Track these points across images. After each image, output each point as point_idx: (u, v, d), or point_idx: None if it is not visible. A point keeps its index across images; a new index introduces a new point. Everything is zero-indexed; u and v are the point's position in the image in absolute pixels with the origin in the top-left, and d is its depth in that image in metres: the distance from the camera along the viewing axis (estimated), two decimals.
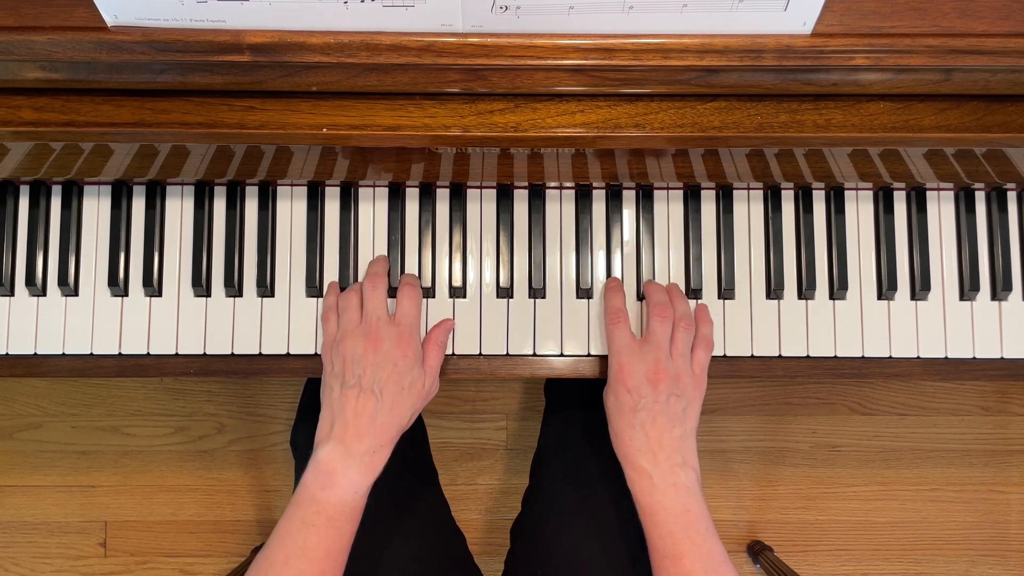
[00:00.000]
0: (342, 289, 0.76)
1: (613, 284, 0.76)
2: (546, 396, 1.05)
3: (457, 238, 0.78)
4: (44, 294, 0.77)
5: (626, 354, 0.70)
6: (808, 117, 0.62)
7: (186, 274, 0.77)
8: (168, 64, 0.58)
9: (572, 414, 0.92)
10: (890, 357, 0.78)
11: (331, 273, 0.77)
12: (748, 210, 0.79)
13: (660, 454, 0.67)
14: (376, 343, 0.68)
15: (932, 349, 0.77)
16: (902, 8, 0.57)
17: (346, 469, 0.65)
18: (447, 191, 0.78)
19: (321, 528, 0.64)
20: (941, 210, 0.79)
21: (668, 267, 0.78)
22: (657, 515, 0.66)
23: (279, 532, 0.65)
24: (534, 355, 0.77)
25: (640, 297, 0.78)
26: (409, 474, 0.88)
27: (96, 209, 0.77)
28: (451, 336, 0.77)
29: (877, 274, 0.78)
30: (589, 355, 0.77)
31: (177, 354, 0.77)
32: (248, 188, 0.78)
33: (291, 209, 0.78)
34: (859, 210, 0.79)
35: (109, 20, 0.56)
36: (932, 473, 1.50)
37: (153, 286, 0.76)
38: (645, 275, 0.77)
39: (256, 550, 1.40)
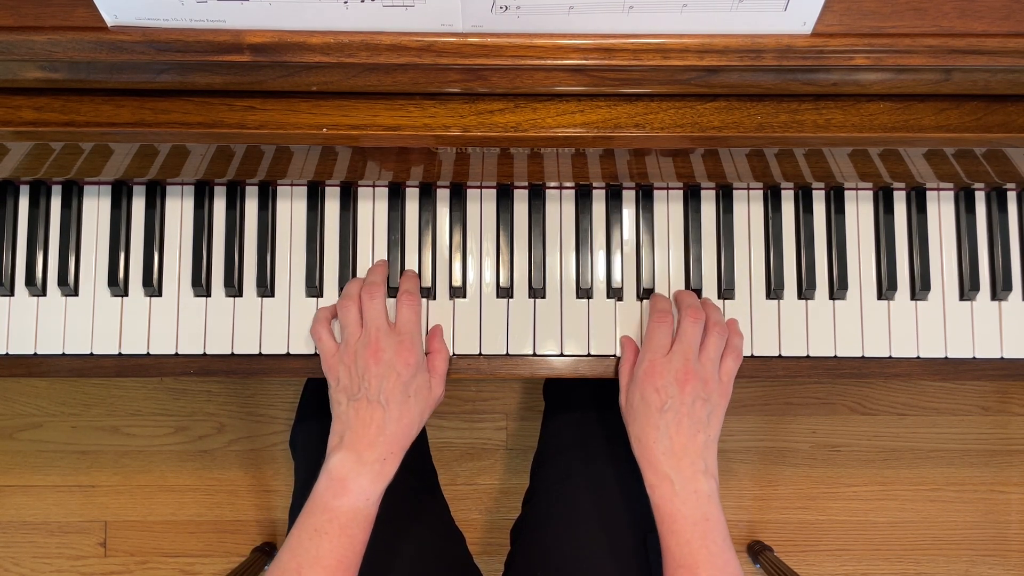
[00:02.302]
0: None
1: (660, 295, 0.76)
2: (545, 398, 1.05)
3: (457, 238, 0.78)
4: (44, 294, 0.77)
5: (659, 353, 0.70)
6: (808, 117, 0.62)
7: (186, 274, 0.77)
8: (168, 64, 0.58)
9: (572, 415, 0.92)
10: (890, 357, 0.78)
11: (331, 273, 0.77)
12: (748, 210, 0.79)
13: (683, 460, 0.67)
14: (377, 354, 0.68)
15: (932, 349, 0.77)
16: (902, 8, 0.57)
17: (358, 476, 0.66)
18: (447, 191, 0.78)
19: (334, 536, 0.64)
20: (941, 210, 0.79)
21: (668, 267, 0.78)
22: (676, 522, 0.66)
23: (291, 541, 0.65)
24: (534, 355, 0.77)
25: (639, 296, 0.78)
26: (408, 474, 0.88)
27: (96, 209, 0.77)
28: (451, 336, 0.77)
29: (877, 274, 0.78)
30: (589, 355, 0.77)
31: (177, 354, 0.77)
32: (248, 188, 0.78)
33: (291, 209, 0.78)
34: (859, 210, 0.79)
35: (109, 20, 0.56)
36: (932, 473, 1.50)
37: (153, 286, 0.76)
38: (645, 275, 0.77)
39: (256, 550, 1.40)
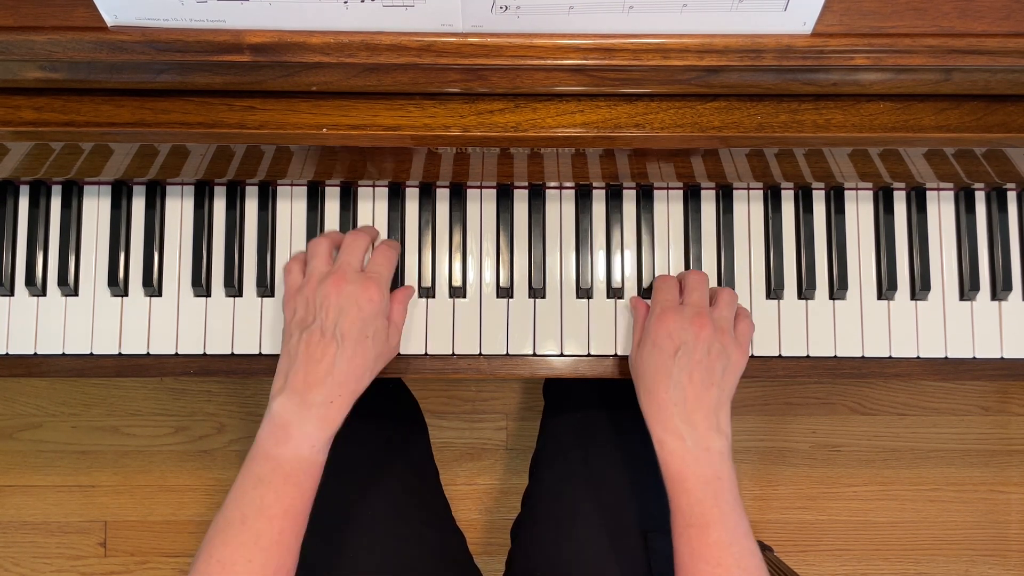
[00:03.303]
0: None
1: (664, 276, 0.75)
2: (545, 397, 1.05)
3: (457, 238, 0.78)
4: (44, 294, 0.77)
5: (671, 303, 0.69)
6: (808, 117, 0.62)
7: (186, 274, 0.77)
8: (168, 64, 0.58)
9: (572, 414, 0.92)
10: (890, 357, 0.78)
11: None
12: (748, 210, 0.79)
13: (696, 413, 0.64)
14: (340, 284, 0.65)
15: (932, 349, 0.77)
16: (902, 8, 0.57)
17: (301, 423, 0.62)
18: (447, 191, 0.78)
19: (278, 486, 0.61)
20: (941, 210, 0.79)
21: (668, 267, 0.78)
22: (688, 480, 0.64)
23: (234, 490, 0.62)
24: (534, 355, 0.77)
25: (640, 295, 0.77)
26: (409, 474, 0.88)
27: (96, 209, 0.77)
28: (451, 336, 0.77)
29: (877, 274, 0.78)
30: (589, 355, 0.77)
31: (177, 354, 0.77)
32: (248, 188, 0.78)
33: (291, 209, 0.78)
34: (859, 210, 0.79)
35: (109, 20, 0.56)
36: (932, 473, 1.50)
37: (153, 286, 0.76)
38: (645, 275, 0.77)
39: None
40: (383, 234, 0.78)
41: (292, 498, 0.61)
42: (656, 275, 0.76)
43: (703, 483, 0.64)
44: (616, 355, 0.77)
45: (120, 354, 0.76)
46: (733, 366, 0.68)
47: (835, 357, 0.78)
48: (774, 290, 0.77)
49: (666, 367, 0.66)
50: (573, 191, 0.78)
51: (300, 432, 0.62)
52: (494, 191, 0.78)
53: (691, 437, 0.64)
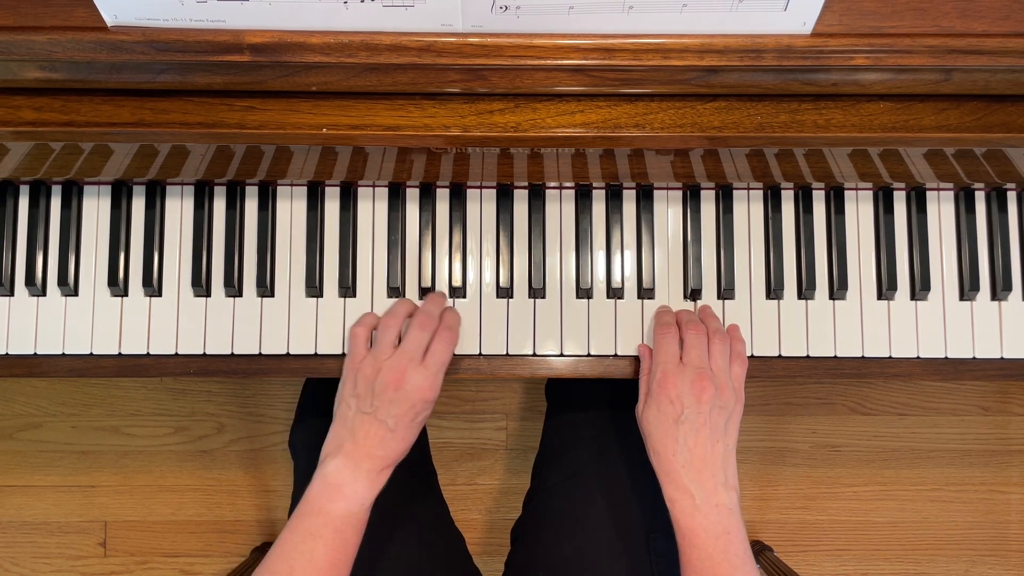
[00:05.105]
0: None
1: (664, 307, 0.77)
2: (547, 398, 1.05)
3: (457, 238, 0.78)
4: (44, 294, 0.77)
5: (671, 363, 0.70)
6: (808, 117, 0.62)
7: (186, 274, 0.77)
8: (168, 64, 0.58)
9: (574, 415, 0.92)
10: (890, 357, 0.78)
11: (331, 273, 0.77)
12: (748, 210, 0.79)
13: (704, 472, 0.67)
14: (400, 381, 0.68)
15: (932, 349, 0.77)
16: (902, 8, 0.57)
17: (354, 482, 0.66)
18: (447, 191, 0.78)
19: (328, 539, 0.64)
20: (941, 210, 0.79)
21: (668, 267, 0.78)
22: (697, 537, 0.65)
23: (283, 543, 0.65)
24: (534, 355, 0.77)
25: (639, 296, 0.78)
26: (408, 475, 0.88)
27: (96, 209, 0.77)
28: None
29: (877, 274, 0.78)
30: (589, 355, 0.77)
31: (177, 354, 0.77)
32: (248, 188, 0.78)
33: (291, 209, 0.78)
34: (859, 210, 0.79)
35: (109, 20, 0.56)
36: (932, 473, 1.50)
37: (153, 286, 0.76)
38: (645, 275, 0.77)
39: (256, 551, 1.40)
40: (383, 234, 0.78)
41: (339, 551, 0.65)
42: (657, 309, 0.76)
43: (712, 538, 0.65)
44: (616, 355, 0.77)
45: (120, 354, 0.76)
46: (734, 416, 0.70)
47: (835, 357, 0.78)
48: (774, 290, 0.77)
49: (671, 433, 0.68)
50: (573, 191, 0.78)
51: (352, 491, 0.66)
52: (494, 191, 0.78)
53: (700, 494, 0.66)
